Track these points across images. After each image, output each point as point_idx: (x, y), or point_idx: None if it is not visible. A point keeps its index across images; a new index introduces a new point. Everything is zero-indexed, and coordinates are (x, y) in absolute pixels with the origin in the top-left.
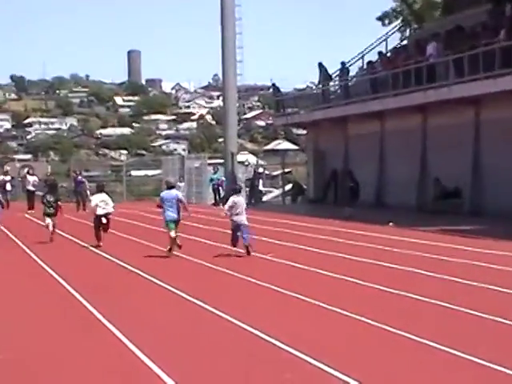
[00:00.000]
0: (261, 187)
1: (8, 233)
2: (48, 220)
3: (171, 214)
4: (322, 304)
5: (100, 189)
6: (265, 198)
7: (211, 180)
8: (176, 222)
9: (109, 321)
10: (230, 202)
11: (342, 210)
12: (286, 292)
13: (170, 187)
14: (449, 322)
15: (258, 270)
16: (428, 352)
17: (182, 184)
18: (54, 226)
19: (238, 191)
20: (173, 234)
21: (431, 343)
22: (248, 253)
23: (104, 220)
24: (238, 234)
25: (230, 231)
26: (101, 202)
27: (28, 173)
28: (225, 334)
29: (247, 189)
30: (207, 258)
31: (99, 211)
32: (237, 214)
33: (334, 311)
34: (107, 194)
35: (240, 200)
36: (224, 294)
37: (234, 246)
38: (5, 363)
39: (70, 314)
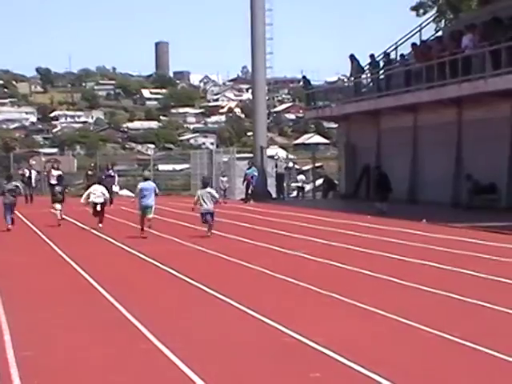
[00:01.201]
0: (299, 183)
1: (34, 228)
2: (58, 206)
3: (148, 201)
4: (354, 302)
5: (98, 181)
6: (294, 194)
7: (246, 175)
8: (151, 207)
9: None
10: (196, 196)
11: (372, 206)
12: (324, 292)
13: (146, 179)
14: (483, 322)
15: (301, 271)
16: (462, 352)
17: (224, 178)
18: (61, 213)
19: (204, 185)
20: (150, 216)
21: (467, 343)
22: (210, 232)
23: (98, 208)
24: (207, 218)
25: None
26: (94, 192)
27: (53, 167)
28: (251, 331)
29: (276, 183)
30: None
31: (93, 199)
32: (202, 204)
33: (362, 308)
34: (105, 187)
35: (203, 192)
36: (247, 287)
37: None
38: (33, 359)
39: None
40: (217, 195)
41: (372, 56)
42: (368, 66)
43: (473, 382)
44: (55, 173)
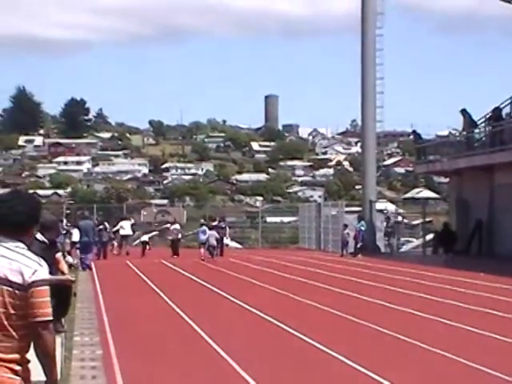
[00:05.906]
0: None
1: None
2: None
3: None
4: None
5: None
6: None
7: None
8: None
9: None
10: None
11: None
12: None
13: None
14: None
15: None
16: None
17: (346, 231)
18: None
19: (210, 228)
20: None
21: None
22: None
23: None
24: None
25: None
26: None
27: (171, 222)
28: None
29: (385, 238)
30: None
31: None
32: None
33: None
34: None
35: (212, 233)
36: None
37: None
38: None
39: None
40: (218, 236)
41: (497, 108)
42: (483, 120)
43: None
44: (172, 227)
